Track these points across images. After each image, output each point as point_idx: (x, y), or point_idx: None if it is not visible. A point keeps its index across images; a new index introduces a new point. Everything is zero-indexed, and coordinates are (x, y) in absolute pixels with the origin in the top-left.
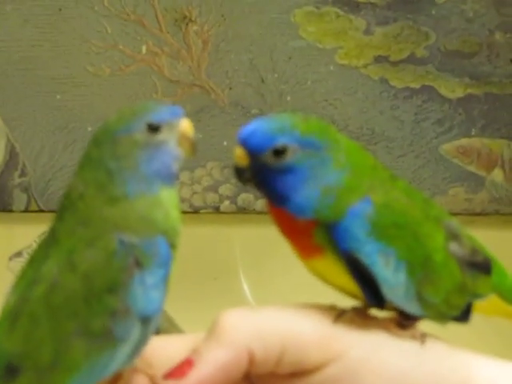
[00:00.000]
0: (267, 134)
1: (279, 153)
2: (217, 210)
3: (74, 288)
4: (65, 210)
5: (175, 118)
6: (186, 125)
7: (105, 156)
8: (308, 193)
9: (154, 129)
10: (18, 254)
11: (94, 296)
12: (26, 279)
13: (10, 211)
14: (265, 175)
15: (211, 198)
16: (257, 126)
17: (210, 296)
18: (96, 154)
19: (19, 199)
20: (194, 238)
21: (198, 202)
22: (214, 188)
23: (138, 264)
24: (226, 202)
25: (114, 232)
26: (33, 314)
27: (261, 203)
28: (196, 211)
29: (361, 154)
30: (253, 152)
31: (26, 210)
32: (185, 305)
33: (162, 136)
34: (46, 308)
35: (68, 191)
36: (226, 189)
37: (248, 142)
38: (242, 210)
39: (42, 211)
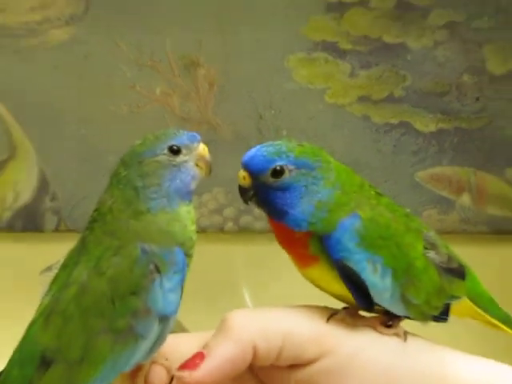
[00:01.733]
0: (266, 157)
1: (277, 173)
2: (221, 230)
3: (102, 290)
4: (95, 221)
5: (193, 142)
6: (202, 148)
7: (132, 175)
8: (303, 208)
9: (174, 151)
10: (48, 269)
11: (119, 298)
12: (59, 282)
13: (42, 231)
14: (265, 193)
15: (216, 219)
16: (257, 151)
17: (214, 306)
18: (124, 173)
19: (50, 221)
20: (201, 255)
21: (204, 222)
22: (218, 211)
23: (158, 270)
24: (230, 223)
25: (137, 242)
26: (65, 312)
27: (260, 224)
28: (203, 231)
29: (349, 174)
30: (254, 173)
31: (56, 230)
32: (192, 316)
33: (181, 158)
34: (76, 308)
35: (98, 205)
36: (229, 211)
37: (250, 164)
38: (244, 230)
39: (69, 231)
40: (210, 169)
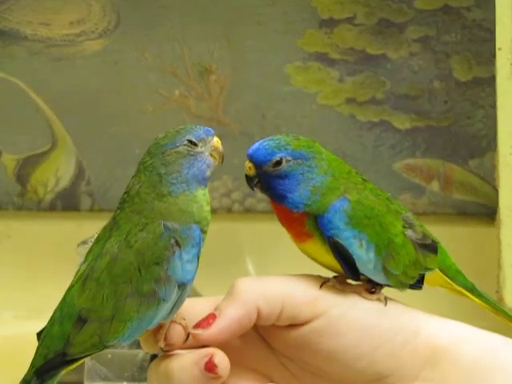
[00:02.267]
0: (268, 150)
1: (277, 164)
2: (229, 210)
3: (130, 260)
4: (124, 202)
5: (208, 135)
6: (216, 140)
7: (156, 163)
8: (300, 192)
9: (192, 144)
10: (84, 242)
11: (144, 267)
12: (94, 253)
13: (79, 210)
14: (268, 180)
15: (225, 201)
16: (260, 145)
17: (224, 275)
18: (150, 161)
19: (85, 202)
20: (212, 231)
21: (215, 204)
22: (227, 194)
23: (178, 244)
24: (237, 205)
25: (160, 220)
26: (98, 279)
27: (262, 206)
28: (214, 211)
29: (339, 163)
30: (258, 164)
31: (91, 210)
32: (204, 282)
33: (198, 149)
34: (108, 275)
35: (127, 189)
36: (236, 195)
37: (254, 156)
38: (249, 211)
39: (102, 210)
40: (222, 158)
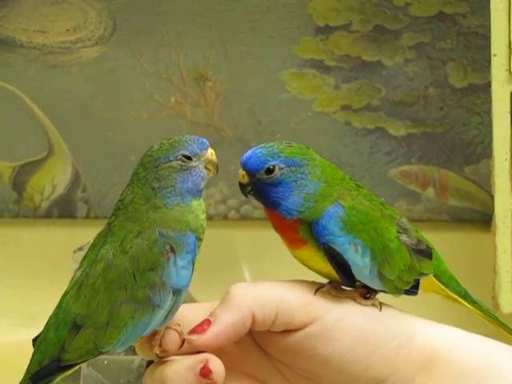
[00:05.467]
0: (261, 158)
1: (270, 171)
2: (225, 217)
3: (125, 267)
4: (119, 209)
5: (202, 149)
6: (211, 153)
7: (150, 177)
8: (293, 199)
9: (186, 158)
10: (80, 249)
11: (139, 273)
12: (89, 259)
13: (75, 218)
14: (261, 188)
15: (221, 208)
16: (252, 153)
17: (219, 281)
18: (143, 174)
19: (81, 209)
20: (208, 238)
21: (211, 211)
22: (223, 201)
23: (173, 250)
24: (232, 212)
25: (155, 227)
26: (93, 285)
27: (258, 213)
28: (210, 218)
29: (332, 169)
30: (251, 172)
31: (87, 217)
32: (200, 289)
33: (193, 163)
34: (103, 281)
35: (122, 197)
36: (232, 202)
37: (247, 164)
38: (244, 218)
39: (98, 218)
40: (217, 170)
